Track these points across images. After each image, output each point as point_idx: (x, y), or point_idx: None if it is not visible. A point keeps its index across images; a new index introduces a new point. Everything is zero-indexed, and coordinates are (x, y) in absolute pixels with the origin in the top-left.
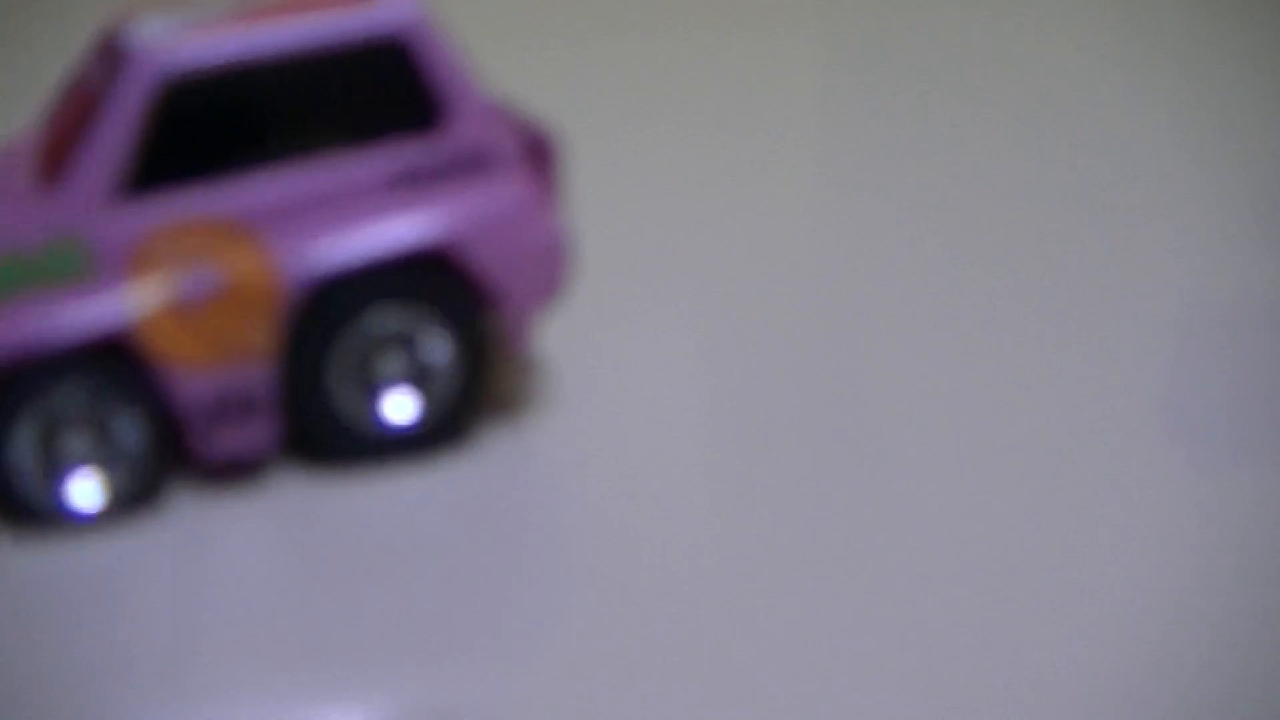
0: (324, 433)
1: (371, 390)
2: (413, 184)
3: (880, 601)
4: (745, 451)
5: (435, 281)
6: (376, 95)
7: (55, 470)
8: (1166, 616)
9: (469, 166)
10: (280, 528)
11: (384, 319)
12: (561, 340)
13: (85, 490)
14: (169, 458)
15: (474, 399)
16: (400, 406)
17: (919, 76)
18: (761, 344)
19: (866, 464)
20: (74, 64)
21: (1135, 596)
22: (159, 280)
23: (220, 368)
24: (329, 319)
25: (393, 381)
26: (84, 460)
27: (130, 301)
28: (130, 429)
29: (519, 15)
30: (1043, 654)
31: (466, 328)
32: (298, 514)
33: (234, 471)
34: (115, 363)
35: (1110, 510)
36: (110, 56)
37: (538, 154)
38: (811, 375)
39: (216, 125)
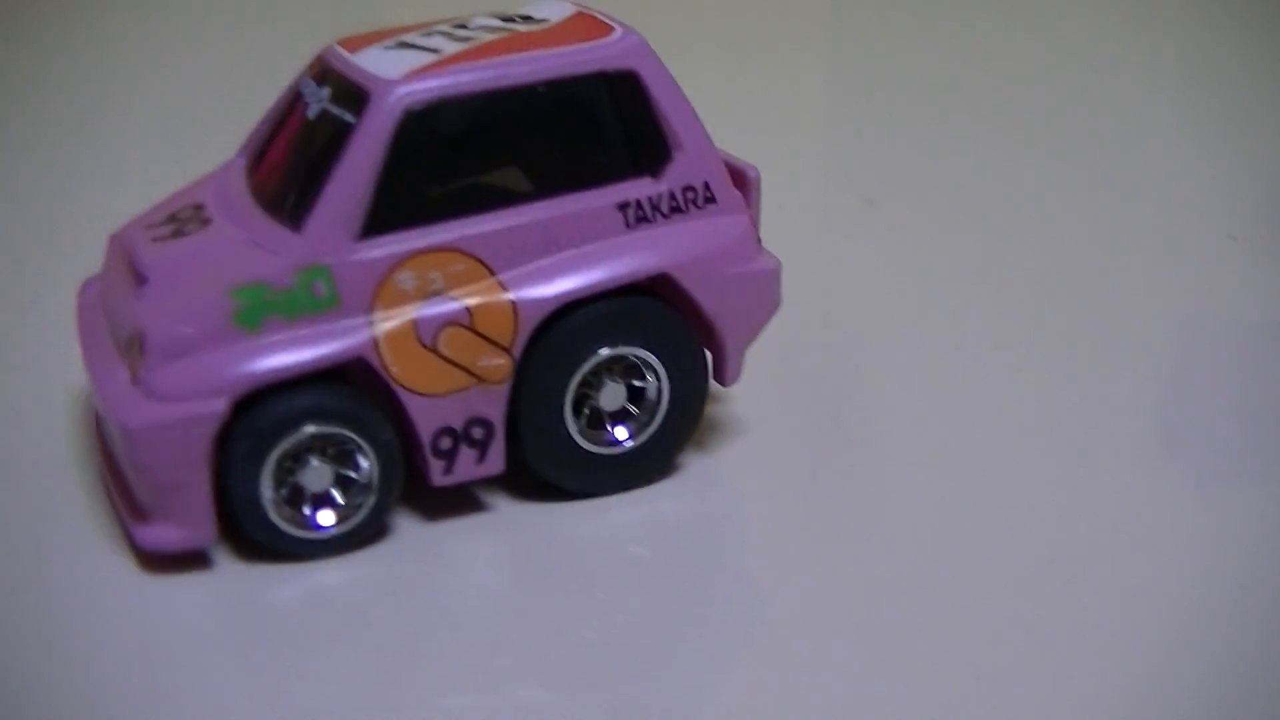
0: (546, 456)
1: (591, 416)
2: (640, 216)
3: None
4: (922, 470)
5: (658, 312)
6: (607, 128)
7: (296, 496)
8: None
9: (693, 199)
10: (499, 548)
11: (609, 347)
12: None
13: (324, 516)
14: (402, 483)
15: (688, 426)
16: (618, 432)
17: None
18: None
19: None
20: (284, 91)
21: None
22: (402, 311)
23: (458, 395)
24: (558, 347)
25: (612, 408)
26: (324, 486)
27: (375, 331)
28: (370, 455)
29: None
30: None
31: (685, 357)
32: (515, 535)
33: (457, 495)
34: (359, 391)
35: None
36: (340, 88)
37: (740, 188)
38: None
39: (455, 158)
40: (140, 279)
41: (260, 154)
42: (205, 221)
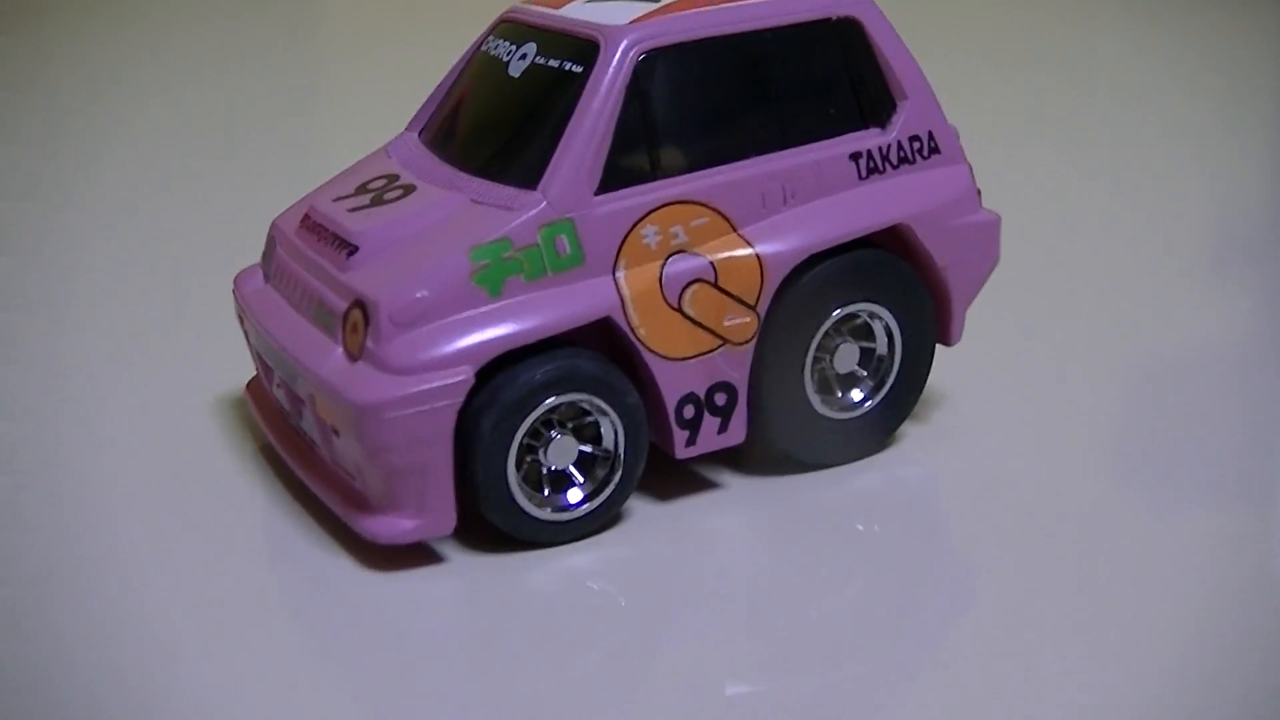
0: (783, 423)
1: (828, 377)
2: (871, 166)
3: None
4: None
5: (893, 266)
6: (834, 77)
7: (532, 476)
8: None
9: (919, 150)
10: (731, 525)
11: (843, 305)
12: None
13: (572, 494)
14: (646, 452)
15: (918, 386)
16: (854, 394)
17: None
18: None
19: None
20: (461, 60)
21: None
22: (647, 268)
23: (704, 358)
24: (800, 303)
25: (845, 370)
26: (569, 462)
27: (622, 290)
28: (615, 423)
29: None
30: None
31: (917, 313)
32: (745, 511)
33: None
34: (606, 356)
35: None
36: (553, 41)
37: None
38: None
39: (689, 107)
40: (350, 249)
41: (447, 123)
42: (408, 188)
